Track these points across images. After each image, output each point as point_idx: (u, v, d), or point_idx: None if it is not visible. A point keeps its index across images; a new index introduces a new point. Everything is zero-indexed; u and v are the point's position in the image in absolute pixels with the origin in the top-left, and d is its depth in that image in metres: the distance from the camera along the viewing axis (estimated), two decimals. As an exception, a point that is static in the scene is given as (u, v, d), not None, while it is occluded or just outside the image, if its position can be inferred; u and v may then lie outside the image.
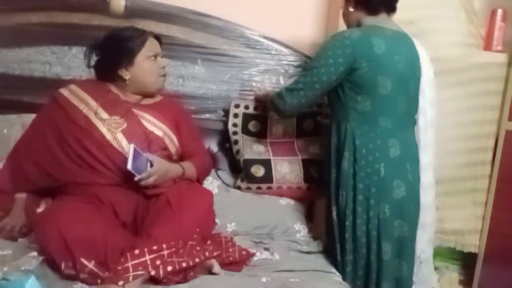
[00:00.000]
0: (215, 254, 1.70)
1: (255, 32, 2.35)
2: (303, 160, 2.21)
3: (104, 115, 1.84)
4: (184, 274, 1.58)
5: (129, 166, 1.66)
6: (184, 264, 1.56)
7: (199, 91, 2.35)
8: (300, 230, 2.05)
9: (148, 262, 1.51)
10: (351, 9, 1.92)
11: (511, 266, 2.23)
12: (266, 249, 1.90)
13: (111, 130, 1.82)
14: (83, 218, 1.59)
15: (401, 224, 1.85)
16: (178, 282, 1.56)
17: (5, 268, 1.44)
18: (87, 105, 1.86)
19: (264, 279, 1.65)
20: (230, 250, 1.79)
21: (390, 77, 1.82)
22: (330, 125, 1.96)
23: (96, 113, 1.84)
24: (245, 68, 2.35)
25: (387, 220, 1.83)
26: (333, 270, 1.82)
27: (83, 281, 1.53)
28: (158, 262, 1.52)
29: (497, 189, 2.27)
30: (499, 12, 2.27)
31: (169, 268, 1.53)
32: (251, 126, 2.25)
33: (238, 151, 2.23)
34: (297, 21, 2.46)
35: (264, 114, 2.26)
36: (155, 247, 1.54)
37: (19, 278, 1.38)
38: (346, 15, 1.98)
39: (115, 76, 1.93)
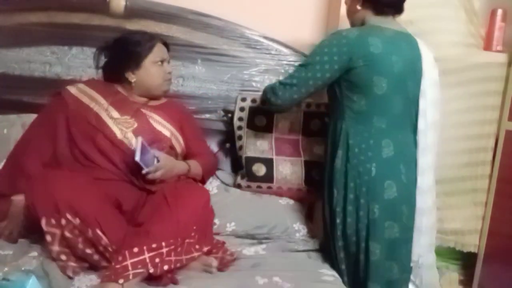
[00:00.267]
0: (213, 251, 1.71)
1: (255, 32, 2.35)
2: (306, 162, 2.20)
3: (115, 114, 1.88)
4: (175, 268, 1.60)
5: (137, 157, 1.69)
6: (178, 264, 1.59)
7: (199, 91, 2.35)
8: (300, 229, 2.05)
9: (148, 260, 1.52)
10: (358, 7, 1.91)
11: (511, 266, 2.23)
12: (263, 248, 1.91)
13: (122, 129, 1.85)
14: (77, 186, 1.61)
15: (392, 225, 1.84)
16: (171, 278, 1.58)
17: (6, 269, 1.45)
18: (98, 103, 1.89)
19: (261, 282, 1.64)
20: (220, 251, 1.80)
21: (386, 77, 1.82)
22: (329, 123, 1.97)
23: (107, 112, 1.87)
24: (245, 68, 2.36)
25: (377, 220, 1.82)
26: (324, 269, 1.82)
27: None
28: (157, 260, 1.53)
29: (497, 189, 2.27)
30: (499, 12, 2.27)
31: (166, 267, 1.55)
32: (257, 120, 2.22)
33: (241, 147, 2.22)
34: (297, 21, 2.46)
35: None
36: (154, 245, 1.54)
37: (19, 279, 1.38)
38: (352, 13, 1.96)
39: (122, 79, 1.97)
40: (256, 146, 2.21)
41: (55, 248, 1.55)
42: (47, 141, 1.85)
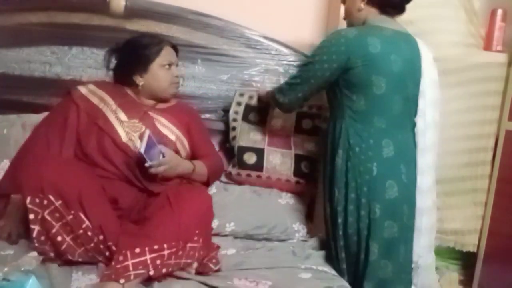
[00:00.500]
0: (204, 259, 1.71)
1: (255, 32, 2.35)
2: (296, 155, 2.22)
3: (123, 117, 1.89)
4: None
5: (142, 149, 1.69)
6: (176, 268, 1.59)
7: (199, 91, 2.35)
8: (300, 230, 2.05)
9: (149, 262, 1.51)
10: (362, 6, 1.90)
11: (511, 266, 2.23)
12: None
13: (129, 132, 1.86)
14: (68, 169, 1.63)
15: (391, 225, 1.84)
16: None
17: (5, 269, 1.44)
18: (106, 104, 1.91)
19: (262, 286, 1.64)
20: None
21: (385, 77, 1.81)
22: (328, 122, 1.97)
23: (115, 114, 1.89)
24: (245, 68, 2.36)
25: (377, 220, 1.82)
26: (326, 268, 1.82)
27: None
28: (158, 262, 1.53)
29: (497, 189, 2.28)
30: (499, 12, 2.27)
31: (164, 270, 1.55)
32: (252, 116, 2.26)
33: (234, 137, 2.24)
34: (297, 21, 2.46)
35: (266, 107, 2.27)
36: (156, 247, 1.54)
37: (19, 279, 1.38)
38: (353, 11, 1.93)
39: (130, 81, 1.98)
40: (249, 137, 2.23)
41: (36, 227, 1.56)
42: (55, 139, 1.86)
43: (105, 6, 2.25)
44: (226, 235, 1.98)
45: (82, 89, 1.95)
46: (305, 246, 1.98)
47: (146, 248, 1.53)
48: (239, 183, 2.20)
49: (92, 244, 1.59)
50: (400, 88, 1.86)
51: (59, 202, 1.55)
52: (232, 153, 2.24)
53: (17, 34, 2.24)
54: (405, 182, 1.87)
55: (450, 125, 2.27)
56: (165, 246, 1.55)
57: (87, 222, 1.58)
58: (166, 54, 1.99)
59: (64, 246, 1.57)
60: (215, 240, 1.88)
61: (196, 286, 1.56)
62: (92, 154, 1.82)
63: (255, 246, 1.96)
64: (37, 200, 1.55)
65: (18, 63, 2.25)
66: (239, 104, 2.27)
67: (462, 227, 2.34)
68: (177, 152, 1.96)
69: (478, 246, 2.33)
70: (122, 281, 1.46)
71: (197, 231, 1.64)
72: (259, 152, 2.20)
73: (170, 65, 1.99)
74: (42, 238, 1.56)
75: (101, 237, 1.60)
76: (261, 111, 2.27)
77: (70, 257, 1.59)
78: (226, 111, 2.34)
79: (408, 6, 1.91)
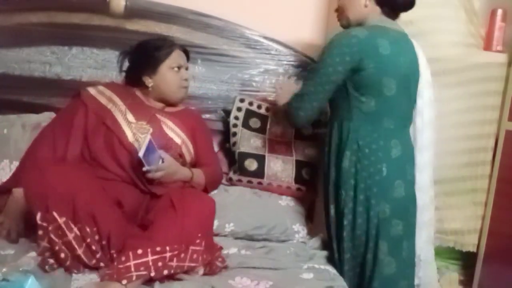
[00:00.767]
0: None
1: (255, 32, 2.35)
2: (297, 161, 2.21)
3: (131, 118, 1.90)
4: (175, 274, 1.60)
5: (141, 154, 1.70)
6: (179, 270, 1.58)
7: (199, 91, 2.35)
8: (299, 230, 2.05)
9: (150, 263, 1.51)
10: (367, 2, 1.86)
11: (511, 266, 2.23)
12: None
13: (136, 133, 1.87)
14: (71, 179, 1.60)
15: (397, 223, 1.85)
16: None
17: (4, 269, 1.44)
18: (115, 105, 1.92)
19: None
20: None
21: (395, 78, 1.81)
22: (331, 124, 1.95)
23: (123, 114, 1.90)
24: (245, 68, 2.36)
25: (386, 220, 1.83)
26: (329, 267, 1.82)
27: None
28: (160, 263, 1.53)
29: (497, 189, 2.27)
30: (499, 12, 2.27)
31: (165, 272, 1.55)
32: (252, 122, 2.26)
33: (235, 143, 2.24)
34: (297, 21, 2.46)
35: (266, 114, 2.27)
36: (158, 248, 1.53)
37: (18, 279, 1.38)
38: (355, 7, 1.88)
39: (139, 82, 2.00)
40: (249, 143, 2.22)
41: (43, 243, 1.55)
42: (61, 140, 1.87)
43: (105, 6, 2.25)
44: (225, 235, 1.98)
45: (91, 90, 1.97)
46: (307, 246, 1.98)
47: (148, 250, 1.52)
48: (240, 187, 2.20)
49: (98, 255, 1.59)
50: (406, 89, 1.87)
51: (63, 219, 1.54)
52: (233, 158, 2.23)
53: (17, 34, 2.24)
54: (410, 180, 1.90)
55: (450, 125, 2.27)
56: (167, 248, 1.54)
57: (94, 237, 1.57)
58: (176, 56, 2.01)
59: (68, 263, 1.57)
60: (215, 240, 1.86)
61: (197, 286, 1.56)
62: (98, 154, 1.83)
63: (256, 246, 1.95)
64: (46, 216, 1.53)
65: (18, 63, 2.25)
66: (239, 109, 2.26)
67: (462, 227, 2.34)
68: (181, 156, 1.96)
69: (478, 246, 2.33)
70: (124, 282, 1.45)
71: (199, 234, 1.63)
72: (260, 159, 2.19)
73: (179, 68, 2.00)
74: (47, 254, 1.56)
75: (109, 249, 1.59)
76: (262, 118, 2.26)
77: (75, 271, 1.58)
78: (226, 111, 2.34)
79: (408, 6, 1.92)
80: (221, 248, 1.82)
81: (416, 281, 2.04)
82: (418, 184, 1.97)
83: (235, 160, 2.21)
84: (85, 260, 1.56)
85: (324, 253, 1.93)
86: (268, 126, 2.26)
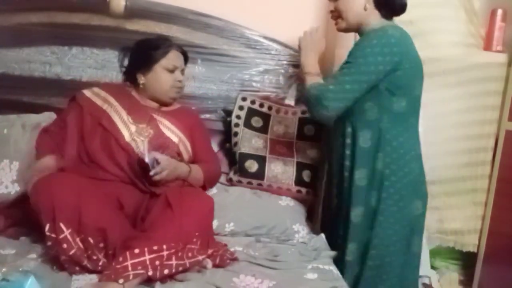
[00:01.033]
0: (209, 252, 1.71)
1: (255, 32, 2.35)
2: (298, 163, 2.21)
3: (127, 118, 1.90)
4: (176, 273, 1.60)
5: (147, 159, 1.73)
6: (180, 268, 1.58)
7: (199, 91, 2.35)
8: (299, 230, 2.05)
9: (148, 262, 1.51)
10: (367, 6, 1.83)
11: (511, 266, 2.23)
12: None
13: (133, 133, 1.87)
14: (77, 189, 1.61)
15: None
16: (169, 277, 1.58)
17: (4, 269, 1.45)
18: (110, 105, 1.92)
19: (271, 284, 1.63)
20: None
21: (420, 78, 1.84)
22: (352, 127, 1.86)
23: (119, 115, 1.90)
24: (245, 68, 2.36)
25: (422, 216, 1.90)
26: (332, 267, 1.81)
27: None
28: (157, 262, 1.53)
29: (497, 189, 2.28)
30: (499, 12, 2.27)
31: (166, 271, 1.54)
32: (254, 121, 2.26)
33: (236, 143, 2.23)
34: (297, 21, 2.45)
35: (269, 113, 2.27)
36: (155, 247, 1.53)
37: (18, 279, 1.38)
38: (355, 10, 1.85)
39: (133, 79, 2.00)
40: (251, 144, 2.22)
41: (52, 253, 1.58)
42: (58, 142, 1.89)
43: (105, 6, 2.25)
44: (225, 235, 1.98)
45: (87, 92, 1.97)
46: (308, 246, 1.97)
47: (145, 249, 1.52)
48: (240, 188, 2.20)
49: (100, 263, 1.60)
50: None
51: (69, 230, 1.55)
52: (233, 157, 2.23)
53: (17, 34, 2.24)
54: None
55: (450, 125, 2.27)
56: (164, 247, 1.54)
57: (98, 246, 1.59)
58: (173, 57, 2.00)
59: (74, 269, 1.58)
60: (217, 239, 1.88)
61: (199, 286, 1.55)
62: (96, 155, 1.83)
63: (259, 245, 1.94)
64: (54, 228, 1.54)
65: (18, 63, 2.25)
66: (241, 108, 2.26)
67: (462, 227, 2.34)
68: (179, 154, 1.96)
69: (478, 246, 2.34)
70: (121, 281, 1.45)
71: (197, 233, 1.64)
72: (261, 160, 2.19)
73: (174, 68, 1.99)
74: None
75: (114, 257, 1.59)
76: (264, 116, 2.26)
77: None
78: (226, 111, 2.34)
79: (408, 6, 1.91)
80: (225, 245, 1.83)
81: None
82: None
83: (236, 161, 2.20)
84: (90, 268, 1.58)
85: (329, 253, 1.93)
86: (270, 125, 2.25)
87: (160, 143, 1.89)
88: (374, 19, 1.86)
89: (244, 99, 2.27)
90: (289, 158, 2.21)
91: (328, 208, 2.16)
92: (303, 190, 2.19)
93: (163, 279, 1.55)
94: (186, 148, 2.00)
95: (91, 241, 1.57)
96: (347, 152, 1.89)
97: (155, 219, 1.65)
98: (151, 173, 1.75)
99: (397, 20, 1.94)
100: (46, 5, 2.25)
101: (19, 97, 2.26)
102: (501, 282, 2.28)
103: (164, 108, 2.03)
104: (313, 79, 1.89)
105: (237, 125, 2.24)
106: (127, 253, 1.51)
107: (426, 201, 1.92)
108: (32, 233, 1.74)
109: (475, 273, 2.35)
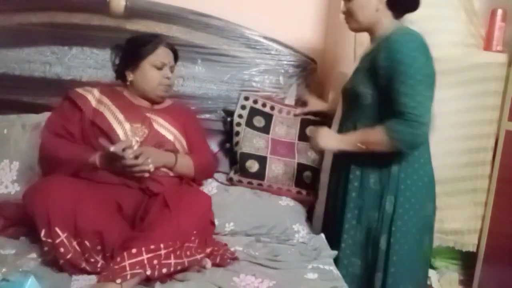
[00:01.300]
0: (207, 251, 1.71)
1: (255, 32, 2.35)
2: (299, 164, 2.21)
3: (121, 117, 1.89)
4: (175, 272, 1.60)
5: (113, 148, 1.71)
6: (179, 267, 1.58)
7: (199, 91, 2.35)
8: (299, 230, 2.05)
9: (145, 262, 1.51)
10: (379, 6, 1.82)
11: (511, 266, 2.23)
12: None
13: (127, 133, 1.86)
14: (73, 193, 1.61)
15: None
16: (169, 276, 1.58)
17: (4, 269, 1.45)
18: (104, 105, 1.91)
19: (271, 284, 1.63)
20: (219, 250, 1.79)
21: (435, 79, 1.82)
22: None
23: (113, 114, 1.89)
24: (245, 68, 2.36)
25: (433, 216, 1.92)
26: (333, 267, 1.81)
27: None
28: (155, 261, 1.53)
29: (497, 189, 2.27)
30: (499, 12, 2.27)
31: (164, 270, 1.55)
32: (256, 121, 2.26)
33: (237, 143, 2.23)
34: (297, 21, 2.46)
35: (271, 112, 2.27)
36: (152, 246, 1.54)
37: (18, 279, 1.38)
38: (367, 10, 1.82)
39: (122, 77, 1.99)
40: (252, 143, 2.22)
41: (49, 258, 1.59)
42: None
43: (105, 6, 2.25)
44: (225, 235, 1.98)
45: (80, 90, 1.95)
46: (308, 246, 1.97)
47: (143, 248, 1.52)
48: (240, 187, 2.20)
49: (99, 265, 1.60)
50: None
51: (65, 234, 1.55)
52: (234, 157, 2.23)
53: (17, 34, 2.25)
54: None
55: (450, 125, 2.26)
56: (162, 245, 1.54)
57: (95, 249, 1.59)
58: (161, 53, 1.97)
59: (73, 271, 1.59)
60: (218, 238, 1.89)
61: (199, 286, 1.56)
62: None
63: (259, 244, 1.95)
64: (50, 232, 1.55)
65: (18, 63, 2.26)
66: (243, 108, 2.26)
67: (462, 227, 2.34)
68: (175, 151, 1.95)
69: (478, 246, 2.33)
70: (118, 281, 1.46)
71: (195, 232, 1.65)
72: (262, 160, 2.19)
73: (162, 65, 1.97)
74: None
75: (112, 259, 1.59)
76: (266, 116, 2.26)
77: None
78: (226, 111, 2.34)
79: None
80: (225, 245, 1.83)
81: None
82: None
83: (237, 160, 2.20)
84: (89, 270, 1.59)
85: (329, 253, 1.93)
86: (272, 125, 2.25)
87: (155, 142, 1.88)
88: (386, 19, 1.85)
89: (246, 98, 2.28)
90: (290, 159, 2.22)
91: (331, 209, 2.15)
92: (303, 191, 2.19)
93: (162, 278, 1.55)
94: (182, 145, 1.99)
95: (88, 244, 1.57)
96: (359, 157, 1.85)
97: (153, 219, 1.65)
98: (111, 149, 1.71)
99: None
100: (46, 5, 2.26)
101: (19, 97, 2.26)
102: (501, 282, 2.28)
103: (156, 106, 2.02)
104: (369, 135, 1.79)
105: (239, 124, 2.24)
106: (125, 253, 1.51)
107: (435, 202, 1.93)
108: (32, 233, 1.74)
109: (475, 273, 2.35)
